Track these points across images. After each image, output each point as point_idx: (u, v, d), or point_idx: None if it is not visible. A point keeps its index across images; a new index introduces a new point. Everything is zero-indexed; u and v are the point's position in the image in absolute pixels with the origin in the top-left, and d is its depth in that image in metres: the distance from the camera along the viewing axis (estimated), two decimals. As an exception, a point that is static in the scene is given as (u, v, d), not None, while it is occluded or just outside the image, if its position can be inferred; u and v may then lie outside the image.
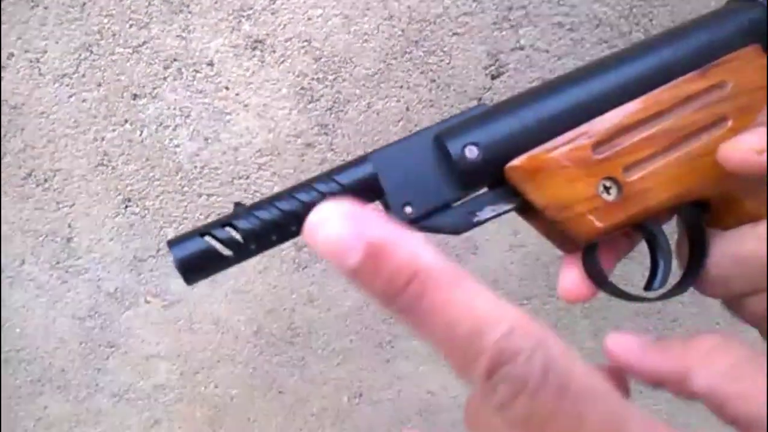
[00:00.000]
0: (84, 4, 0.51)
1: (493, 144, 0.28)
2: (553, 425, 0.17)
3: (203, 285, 0.61)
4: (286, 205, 0.28)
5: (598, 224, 0.28)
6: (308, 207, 0.28)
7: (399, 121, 0.54)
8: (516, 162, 0.28)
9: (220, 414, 0.68)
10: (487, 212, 0.29)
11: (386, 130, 0.54)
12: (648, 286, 0.32)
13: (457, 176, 0.28)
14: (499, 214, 0.29)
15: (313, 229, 0.18)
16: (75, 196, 0.58)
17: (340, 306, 0.62)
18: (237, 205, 0.29)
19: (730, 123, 0.29)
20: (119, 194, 0.57)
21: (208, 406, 0.67)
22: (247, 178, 0.56)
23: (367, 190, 0.28)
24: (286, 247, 0.59)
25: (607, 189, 0.28)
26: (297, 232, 0.28)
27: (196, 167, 0.56)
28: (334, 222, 0.18)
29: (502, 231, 0.59)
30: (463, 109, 0.30)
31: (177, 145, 0.55)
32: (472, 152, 0.28)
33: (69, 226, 0.59)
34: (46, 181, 0.57)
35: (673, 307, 0.62)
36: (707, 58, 0.29)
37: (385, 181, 0.28)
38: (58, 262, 0.60)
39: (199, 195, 0.57)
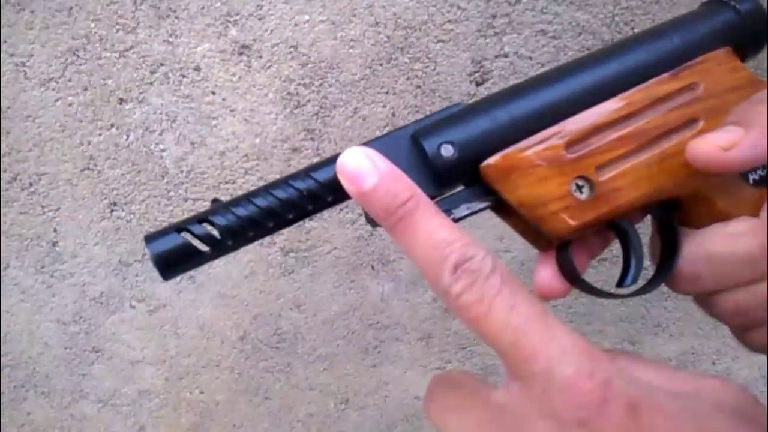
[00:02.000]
0: (71, 8, 0.51)
1: (468, 143, 0.28)
2: (492, 302, 0.24)
3: (189, 290, 0.61)
4: (262, 202, 0.28)
5: (571, 222, 0.28)
6: (285, 204, 0.28)
7: (385, 126, 0.54)
8: (490, 161, 0.28)
9: (205, 420, 0.68)
10: (463, 210, 0.29)
11: (372, 135, 0.54)
12: (620, 283, 0.32)
13: (433, 174, 0.29)
14: (475, 212, 0.29)
15: (341, 161, 0.26)
16: (60, 200, 0.57)
17: (327, 311, 0.62)
18: (214, 201, 0.29)
19: (701, 124, 0.29)
20: (105, 198, 0.57)
21: (194, 412, 0.67)
22: (234, 182, 0.56)
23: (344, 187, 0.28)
24: (273, 252, 0.59)
25: (579, 188, 0.29)
26: (273, 229, 0.29)
27: (182, 172, 0.56)
28: (358, 156, 0.26)
29: (488, 236, 0.59)
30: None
31: (163, 150, 0.55)
32: (447, 151, 0.28)
33: (54, 230, 0.59)
34: (31, 185, 0.57)
35: (657, 312, 0.63)
36: (680, 60, 0.30)
37: None
38: (43, 267, 0.60)
39: (185, 199, 0.57)
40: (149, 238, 0.28)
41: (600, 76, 0.29)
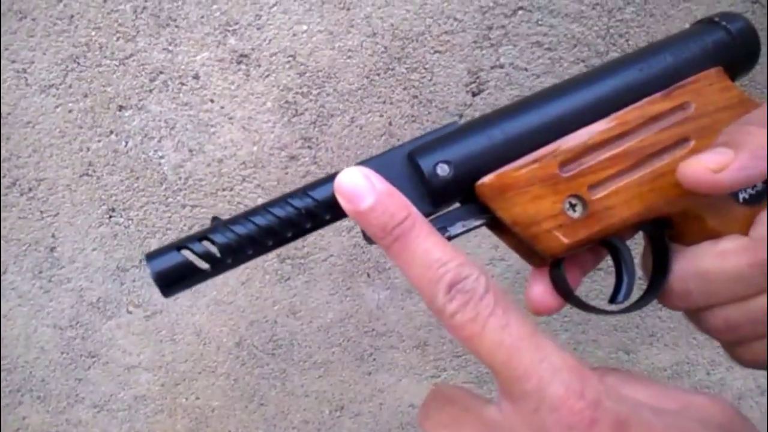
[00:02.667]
0: (72, 16, 0.51)
1: (463, 162, 0.29)
2: (486, 322, 0.25)
3: (185, 296, 0.61)
4: (261, 220, 0.29)
5: (564, 240, 0.29)
6: (283, 222, 0.29)
7: (382, 135, 0.55)
8: (485, 180, 0.29)
9: (200, 426, 0.68)
10: (458, 227, 0.30)
11: (369, 144, 0.55)
12: (613, 299, 0.32)
13: (429, 192, 0.29)
14: (470, 230, 0.30)
15: (339, 181, 0.27)
16: (59, 206, 0.58)
17: (322, 318, 0.62)
18: (214, 219, 0.30)
19: (692, 144, 0.30)
20: (103, 204, 0.58)
21: (189, 418, 0.67)
22: (231, 189, 0.57)
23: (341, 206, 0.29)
24: (269, 259, 0.60)
25: (572, 206, 0.29)
26: (273, 246, 0.29)
27: (180, 178, 0.57)
28: (355, 176, 0.27)
29: (483, 245, 0.59)
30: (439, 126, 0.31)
31: (161, 157, 0.56)
32: (443, 170, 0.29)
33: (53, 235, 0.59)
34: (30, 190, 0.57)
35: (652, 321, 0.63)
36: (672, 79, 0.30)
37: None
38: (40, 272, 0.60)
39: (183, 206, 0.58)
40: (150, 257, 0.29)
41: (594, 95, 0.30)
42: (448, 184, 0.29)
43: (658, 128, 0.30)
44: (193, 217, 0.58)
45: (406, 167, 0.29)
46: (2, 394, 0.66)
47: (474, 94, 0.53)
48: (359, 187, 0.26)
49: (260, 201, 0.57)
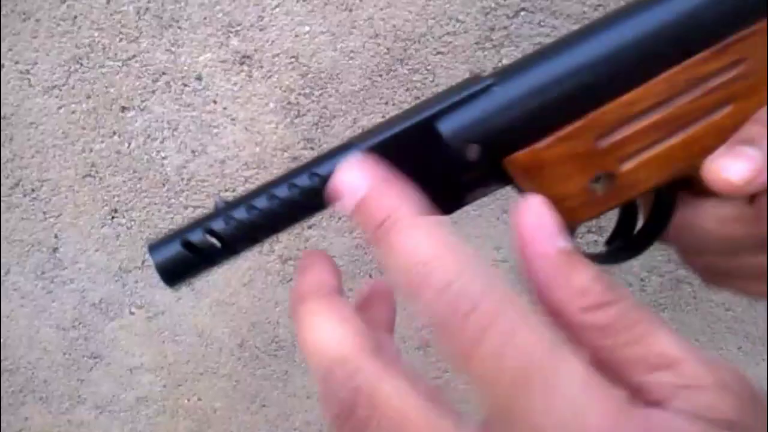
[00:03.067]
0: (75, 17, 0.52)
1: (494, 139, 0.26)
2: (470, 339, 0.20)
3: (188, 297, 0.62)
4: (265, 204, 0.27)
5: (584, 216, 0.27)
6: (287, 205, 0.27)
7: (384, 136, 0.55)
8: (515, 156, 0.27)
9: (202, 427, 0.68)
10: (478, 194, 0.28)
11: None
12: (610, 241, 0.31)
13: (452, 168, 0.27)
14: (487, 194, 0.28)
15: (335, 175, 0.24)
16: (62, 207, 0.58)
17: (324, 319, 0.62)
18: (217, 198, 0.29)
19: (731, 107, 0.27)
20: (106, 205, 0.58)
21: (191, 419, 0.67)
22: (234, 190, 0.57)
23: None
24: (271, 260, 0.60)
25: (599, 180, 0.27)
26: (279, 229, 0.28)
27: (182, 179, 0.57)
28: (352, 170, 0.24)
29: (485, 246, 0.59)
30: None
31: (164, 158, 0.56)
32: (472, 152, 0.26)
33: (55, 236, 0.59)
34: (33, 191, 0.57)
35: (654, 324, 0.63)
36: (724, 31, 0.26)
37: None
38: (43, 272, 0.61)
39: (186, 207, 0.58)
40: (152, 247, 0.28)
41: (637, 50, 0.26)
42: (475, 164, 0.26)
43: (704, 90, 0.26)
44: (195, 218, 0.58)
45: (426, 140, 0.26)
46: (5, 395, 0.66)
47: (476, 95, 0.53)
48: (345, 186, 0.23)
49: (262, 202, 0.57)
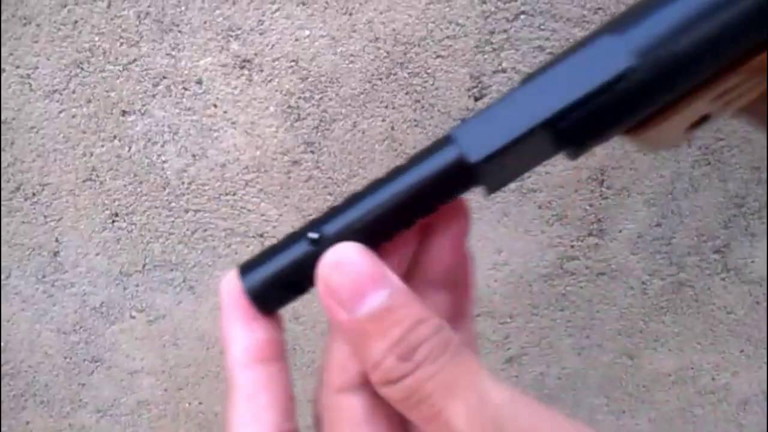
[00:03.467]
0: (76, 22, 0.52)
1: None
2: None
3: (189, 300, 0.62)
4: (372, 214, 0.22)
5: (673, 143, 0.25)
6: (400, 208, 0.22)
7: (384, 140, 0.55)
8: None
9: (203, 431, 0.68)
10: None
11: (371, 149, 0.55)
12: None
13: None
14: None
15: (331, 258, 0.20)
16: (63, 211, 0.58)
17: (325, 323, 0.62)
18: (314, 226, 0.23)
19: None
20: (107, 209, 0.58)
21: (192, 423, 0.67)
22: (234, 194, 0.57)
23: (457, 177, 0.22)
24: (272, 264, 0.60)
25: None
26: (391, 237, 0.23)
27: (183, 183, 0.57)
28: (357, 253, 0.20)
29: (487, 248, 0.59)
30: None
31: (165, 161, 0.56)
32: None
33: (56, 240, 0.59)
34: (34, 195, 0.57)
35: (656, 326, 0.63)
36: None
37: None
38: (44, 276, 0.61)
39: (186, 210, 0.58)
40: (243, 270, 0.23)
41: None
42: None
43: None
44: (196, 221, 0.58)
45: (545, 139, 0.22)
46: (6, 399, 0.66)
47: (476, 99, 0.53)
48: (360, 275, 0.19)
49: (263, 205, 0.57)
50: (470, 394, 0.18)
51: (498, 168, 0.21)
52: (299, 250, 0.22)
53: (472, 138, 0.21)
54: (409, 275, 0.24)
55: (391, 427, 0.23)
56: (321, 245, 0.21)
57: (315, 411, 0.25)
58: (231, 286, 0.22)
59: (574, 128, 0.21)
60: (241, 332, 0.22)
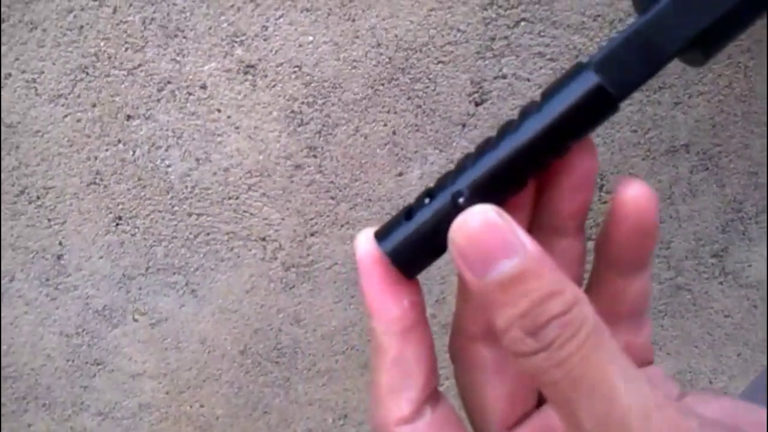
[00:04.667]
0: (81, 27, 0.52)
1: None
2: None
3: (191, 304, 0.62)
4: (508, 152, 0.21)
5: None
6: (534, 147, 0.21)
7: (386, 144, 0.55)
8: None
9: (204, 434, 0.68)
10: None
11: (373, 153, 0.56)
12: None
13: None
14: None
15: (464, 222, 0.19)
16: (67, 214, 0.58)
17: (326, 326, 0.63)
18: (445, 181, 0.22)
19: None
20: (110, 212, 0.58)
21: (194, 426, 0.68)
22: (237, 198, 0.58)
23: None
24: (274, 267, 0.60)
25: None
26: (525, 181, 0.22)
27: (186, 187, 0.57)
28: (493, 216, 0.18)
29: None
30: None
31: (168, 166, 0.56)
32: None
33: (60, 243, 0.60)
34: (38, 198, 0.58)
35: (654, 330, 0.63)
36: None
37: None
38: (47, 279, 0.61)
39: (189, 214, 0.58)
40: (380, 234, 0.22)
41: None
42: None
43: None
44: (199, 225, 0.59)
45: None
46: (8, 402, 0.66)
47: (477, 104, 0.54)
48: (499, 233, 0.18)
49: (266, 209, 0.58)
50: (599, 392, 0.17)
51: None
52: (437, 210, 0.21)
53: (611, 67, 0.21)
54: (532, 225, 0.23)
55: (521, 378, 0.23)
56: (458, 205, 0.20)
57: (450, 354, 0.25)
58: (370, 251, 0.22)
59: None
60: (388, 299, 0.21)
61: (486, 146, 0.21)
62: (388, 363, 0.21)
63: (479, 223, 0.18)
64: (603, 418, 0.17)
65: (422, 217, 0.21)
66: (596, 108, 0.21)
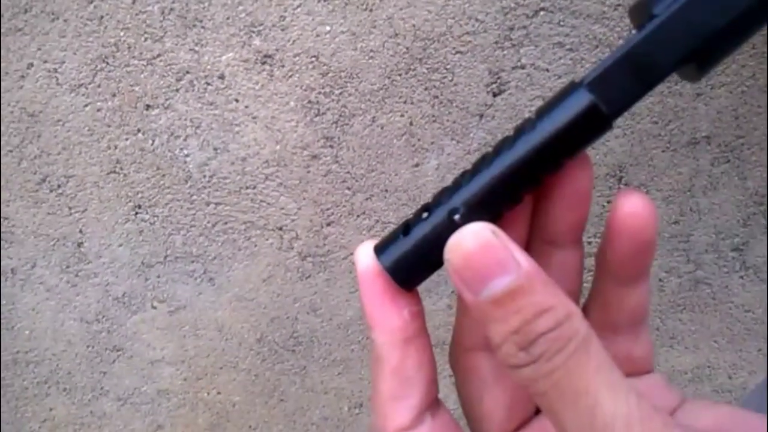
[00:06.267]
0: (102, 17, 0.53)
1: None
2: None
3: (208, 292, 0.63)
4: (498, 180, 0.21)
5: None
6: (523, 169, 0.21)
7: (402, 135, 0.55)
8: None
9: (221, 420, 0.69)
10: None
11: (390, 144, 0.56)
12: None
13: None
14: None
15: (459, 241, 0.19)
16: (87, 202, 0.59)
17: (342, 316, 0.63)
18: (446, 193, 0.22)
19: None
20: (130, 201, 0.59)
21: (211, 412, 0.68)
22: (254, 188, 0.58)
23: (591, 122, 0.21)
24: (291, 257, 0.60)
25: None
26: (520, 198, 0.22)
27: (204, 176, 0.58)
28: (487, 235, 0.19)
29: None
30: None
31: (187, 155, 0.57)
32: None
33: (80, 231, 0.61)
34: (59, 186, 0.59)
35: (673, 324, 0.63)
36: None
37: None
38: (68, 266, 0.62)
39: (207, 203, 0.59)
40: (379, 250, 0.23)
41: None
42: None
43: None
44: (217, 214, 0.59)
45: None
46: (30, 386, 0.68)
47: (495, 95, 0.54)
48: (492, 249, 0.19)
49: (282, 199, 0.58)
50: (583, 402, 0.18)
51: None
52: (434, 226, 0.21)
53: (604, 86, 0.21)
54: (530, 237, 0.23)
55: (519, 387, 0.24)
56: (454, 221, 0.21)
57: (450, 364, 0.26)
58: (369, 265, 0.22)
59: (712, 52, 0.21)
60: (388, 310, 0.22)
61: (482, 163, 0.22)
62: (389, 372, 0.22)
63: (474, 242, 0.19)
64: (586, 427, 0.18)
65: (419, 232, 0.22)
66: (590, 126, 0.21)
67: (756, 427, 0.21)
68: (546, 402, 0.19)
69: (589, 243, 0.59)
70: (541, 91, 0.53)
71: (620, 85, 0.21)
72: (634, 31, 0.22)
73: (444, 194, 0.22)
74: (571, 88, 0.21)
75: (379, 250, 0.23)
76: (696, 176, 0.56)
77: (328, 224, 0.59)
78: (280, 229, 0.59)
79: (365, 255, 0.22)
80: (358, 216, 0.59)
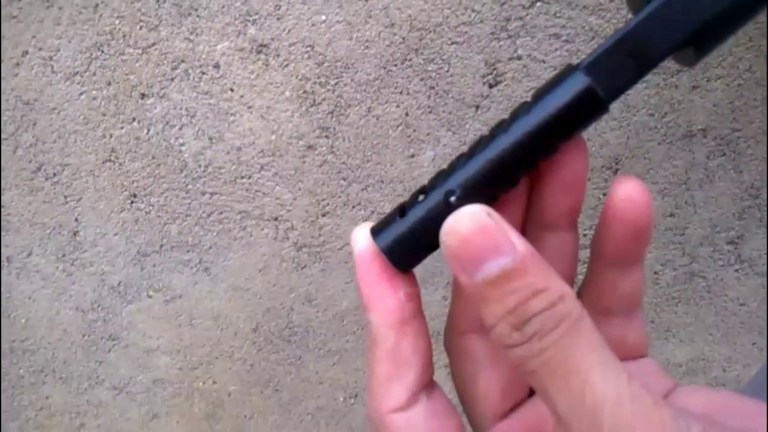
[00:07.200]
0: (97, 5, 0.52)
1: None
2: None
3: (204, 281, 0.63)
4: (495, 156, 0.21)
5: None
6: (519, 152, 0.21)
7: (398, 125, 0.55)
8: None
9: (217, 409, 0.69)
10: None
11: (385, 134, 0.55)
12: None
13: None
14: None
15: (455, 223, 0.19)
16: (82, 191, 0.59)
17: (338, 306, 0.63)
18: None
19: None
20: (125, 190, 0.59)
21: (206, 402, 0.69)
22: (249, 177, 0.58)
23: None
24: (286, 247, 0.61)
25: None
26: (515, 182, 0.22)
27: (200, 166, 0.58)
28: (482, 217, 0.19)
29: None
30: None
31: (182, 144, 0.57)
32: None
33: (76, 219, 0.61)
34: (55, 175, 0.59)
35: (668, 317, 0.63)
36: None
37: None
38: (63, 255, 0.62)
39: (203, 193, 0.59)
40: (375, 232, 0.23)
41: None
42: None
43: None
44: (212, 203, 0.59)
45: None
46: (26, 374, 0.68)
47: (491, 86, 0.54)
48: (490, 233, 0.19)
49: (278, 189, 0.58)
50: (574, 380, 0.18)
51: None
52: (430, 208, 0.21)
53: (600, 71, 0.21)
54: (525, 220, 0.24)
55: (513, 369, 0.24)
56: (450, 203, 0.21)
57: (445, 346, 0.26)
58: (365, 247, 0.22)
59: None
60: (384, 292, 0.22)
61: (478, 146, 0.21)
62: (385, 354, 0.22)
63: (469, 224, 0.19)
64: (576, 405, 0.18)
65: (416, 214, 0.22)
66: (586, 109, 0.21)
67: (753, 413, 0.21)
68: (538, 381, 0.19)
69: (585, 236, 0.59)
70: (538, 82, 0.53)
71: (617, 69, 0.21)
72: (630, 17, 0.22)
73: (440, 177, 0.22)
74: (567, 71, 0.21)
75: (376, 232, 0.23)
76: (692, 169, 0.56)
77: (324, 215, 0.59)
78: (276, 219, 0.59)
79: (362, 237, 0.22)
80: (353, 207, 0.59)
